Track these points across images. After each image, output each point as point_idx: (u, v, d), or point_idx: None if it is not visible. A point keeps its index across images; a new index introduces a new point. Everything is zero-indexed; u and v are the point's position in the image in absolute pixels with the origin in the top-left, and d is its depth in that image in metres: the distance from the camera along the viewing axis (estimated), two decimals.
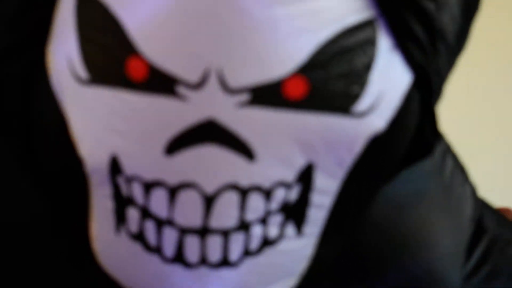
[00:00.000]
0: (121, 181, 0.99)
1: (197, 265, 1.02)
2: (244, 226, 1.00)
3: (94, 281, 1.11)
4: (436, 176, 1.20)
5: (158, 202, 0.98)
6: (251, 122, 0.92)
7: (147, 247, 1.03)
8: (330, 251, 1.07)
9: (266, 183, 0.96)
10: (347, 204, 1.03)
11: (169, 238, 1.00)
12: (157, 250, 1.03)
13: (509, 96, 2.39)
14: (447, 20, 0.95)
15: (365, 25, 0.92)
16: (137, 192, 0.99)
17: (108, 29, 0.92)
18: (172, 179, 0.96)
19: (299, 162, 0.97)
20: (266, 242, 1.03)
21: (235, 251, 1.01)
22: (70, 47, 0.95)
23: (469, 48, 1.08)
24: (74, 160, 0.99)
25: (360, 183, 1.02)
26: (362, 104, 0.95)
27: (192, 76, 0.89)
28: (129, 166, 0.98)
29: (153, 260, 1.03)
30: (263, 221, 1.01)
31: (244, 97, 0.90)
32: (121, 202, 1.01)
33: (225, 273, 1.03)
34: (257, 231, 1.01)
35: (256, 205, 0.98)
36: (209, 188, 0.96)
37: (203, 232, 0.99)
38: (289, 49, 0.89)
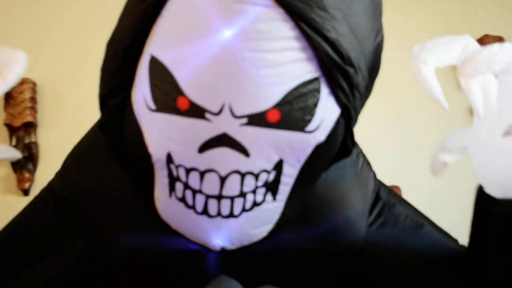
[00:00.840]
0: (172, 167, 1.08)
1: (215, 217, 1.10)
2: (242, 194, 1.08)
3: (158, 224, 1.16)
4: (353, 167, 1.34)
5: (194, 180, 1.07)
6: (247, 135, 1.01)
7: (187, 205, 1.11)
8: (291, 209, 1.18)
9: (255, 170, 1.06)
10: (301, 182, 1.14)
11: (200, 200, 1.09)
12: (192, 207, 1.10)
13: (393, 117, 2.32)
14: (361, 79, 1.04)
15: (314, 80, 0.99)
16: (181, 174, 1.08)
17: (167, 80, 1.00)
18: (202, 167, 1.05)
19: (275, 159, 1.06)
20: (255, 204, 1.11)
21: (237, 209, 1.10)
22: (145, 90, 1.04)
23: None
24: (146, 155, 1.09)
25: (309, 170, 1.13)
26: (311, 126, 1.04)
27: (215, 108, 0.98)
28: (177, 159, 1.07)
29: (190, 213, 1.12)
30: (253, 192, 1.09)
31: (244, 120, 0.99)
32: (172, 179, 1.10)
33: (231, 221, 1.12)
34: (250, 197, 1.10)
35: (249, 183, 1.08)
36: (223, 172, 1.05)
37: (219, 197, 1.08)
38: (269, 94, 0.97)
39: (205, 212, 1.09)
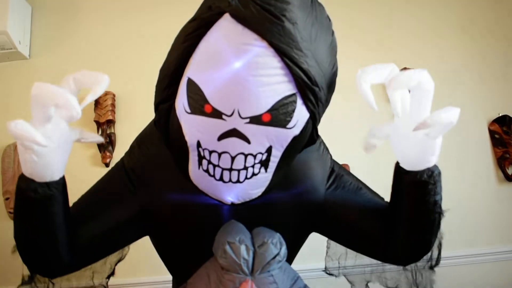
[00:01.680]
0: (200, 150, 1.08)
1: (228, 182, 1.11)
2: (245, 168, 1.09)
3: (191, 187, 1.17)
4: (316, 150, 1.34)
5: (214, 158, 1.07)
6: (249, 130, 1.02)
7: (209, 175, 1.11)
8: (277, 177, 1.18)
9: (254, 152, 1.07)
10: (283, 160, 1.14)
11: (217, 171, 1.09)
12: (213, 176, 1.11)
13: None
14: (322, 95, 1.06)
15: (292, 95, 1.00)
16: (206, 154, 1.08)
17: (198, 93, 1.01)
18: (219, 150, 1.06)
19: (267, 145, 1.07)
20: (254, 174, 1.11)
21: (242, 177, 1.10)
22: (184, 100, 1.05)
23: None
24: (184, 141, 1.10)
25: (289, 153, 1.12)
26: (290, 124, 1.04)
27: (228, 112, 0.99)
28: (203, 144, 1.07)
29: (211, 180, 1.12)
30: (252, 166, 1.09)
31: (247, 120, 1.00)
32: (200, 158, 1.10)
33: (238, 185, 1.12)
34: (250, 170, 1.10)
35: (250, 160, 1.08)
36: (233, 154, 1.06)
37: (230, 170, 1.08)
38: (264, 103, 0.99)
39: (221, 179, 1.10)
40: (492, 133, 3.12)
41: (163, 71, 1.12)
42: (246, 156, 1.06)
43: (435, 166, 1.08)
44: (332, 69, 1.07)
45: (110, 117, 2.85)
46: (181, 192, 1.23)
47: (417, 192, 1.10)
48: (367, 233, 1.28)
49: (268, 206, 1.24)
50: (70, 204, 1.17)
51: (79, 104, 0.90)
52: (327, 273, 1.59)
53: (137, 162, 1.27)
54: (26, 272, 1.40)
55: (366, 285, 1.59)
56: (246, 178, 1.11)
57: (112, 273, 1.60)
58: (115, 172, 1.31)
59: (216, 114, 1.00)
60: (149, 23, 3.18)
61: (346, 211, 1.30)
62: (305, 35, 0.97)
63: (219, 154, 1.06)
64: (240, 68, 0.94)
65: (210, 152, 1.07)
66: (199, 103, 1.01)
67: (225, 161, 1.07)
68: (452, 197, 2.75)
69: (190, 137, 1.08)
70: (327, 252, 1.58)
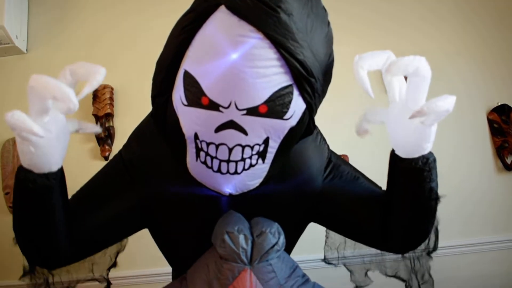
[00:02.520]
0: (198, 141, 1.09)
1: (225, 173, 1.11)
2: (243, 159, 1.09)
3: (189, 179, 1.18)
4: (314, 141, 1.34)
5: (212, 150, 1.08)
6: (246, 121, 1.03)
7: (207, 166, 1.11)
8: (274, 168, 1.18)
9: (251, 144, 1.07)
10: (281, 151, 1.14)
11: (215, 163, 1.10)
12: (210, 167, 1.11)
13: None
14: (319, 86, 1.06)
15: (288, 86, 1.01)
16: (204, 146, 1.09)
17: (194, 86, 1.02)
18: (217, 142, 1.06)
19: (264, 136, 1.08)
20: (251, 165, 1.12)
21: (239, 168, 1.11)
22: (180, 92, 1.06)
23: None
24: (181, 133, 1.11)
25: (286, 144, 1.13)
26: (287, 115, 1.05)
27: (225, 104, 1.00)
28: (201, 136, 1.08)
29: (209, 171, 1.12)
30: (250, 158, 1.10)
31: (244, 112, 1.01)
32: (198, 149, 1.11)
33: (236, 176, 1.13)
34: (248, 161, 1.11)
35: (247, 152, 1.09)
36: (230, 145, 1.07)
37: (228, 161, 1.09)
38: (260, 94, 0.99)
39: (219, 170, 1.11)
40: (491, 122, 3.11)
41: (159, 63, 1.12)
42: (243, 147, 1.07)
43: (430, 153, 1.09)
44: (328, 60, 1.08)
45: (109, 111, 2.86)
46: (179, 184, 1.23)
47: (413, 179, 1.11)
48: (364, 222, 1.29)
49: (266, 197, 1.25)
50: (69, 196, 1.18)
51: (76, 97, 0.90)
52: (326, 262, 1.61)
53: (135, 155, 1.27)
54: (27, 263, 1.40)
55: (366, 273, 1.60)
56: (243, 169, 1.11)
57: (114, 265, 1.61)
58: (114, 164, 1.31)
59: (213, 106, 1.01)
60: (147, 16, 3.18)
61: (344, 200, 1.31)
62: (300, 26, 0.97)
63: (217, 146, 1.07)
64: (236, 60, 0.95)
65: (208, 144, 1.07)
66: (196, 96, 1.02)
67: (222, 153, 1.08)
68: (450, 186, 2.76)
69: (188, 130, 1.09)
70: (326, 242, 1.59)
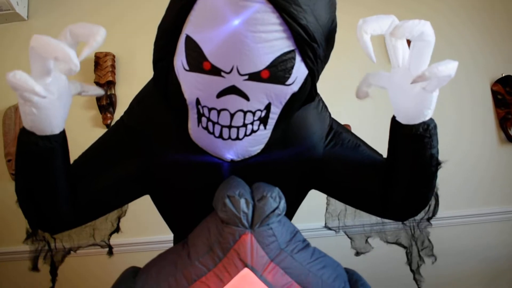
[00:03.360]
0: (199, 107, 1.10)
1: (227, 139, 1.12)
2: (244, 125, 1.10)
3: (191, 145, 1.19)
4: (315, 108, 1.34)
5: (213, 116, 1.09)
6: (248, 86, 1.03)
7: (209, 132, 1.12)
8: (275, 134, 1.19)
9: (253, 109, 1.08)
10: (282, 117, 1.15)
11: (217, 129, 1.10)
12: (212, 133, 1.12)
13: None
14: (321, 51, 1.06)
15: (291, 51, 1.01)
16: (205, 111, 1.09)
17: (196, 51, 1.01)
18: (218, 107, 1.07)
19: (265, 102, 1.08)
20: (253, 131, 1.13)
21: (241, 134, 1.12)
22: (182, 57, 1.06)
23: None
24: (183, 99, 1.11)
25: (287, 110, 1.13)
26: (289, 81, 1.05)
27: (227, 69, 1.00)
28: (203, 102, 1.09)
29: (211, 137, 1.13)
30: (251, 123, 1.11)
31: (246, 77, 1.01)
32: (199, 115, 1.11)
33: (237, 142, 1.14)
34: (249, 127, 1.11)
35: (249, 117, 1.09)
36: (232, 111, 1.07)
37: (230, 127, 1.10)
38: (263, 59, 0.99)
39: (220, 136, 1.11)
40: (494, 93, 3.11)
41: (161, 28, 1.12)
42: (245, 113, 1.07)
43: (431, 120, 1.09)
44: (331, 25, 1.07)
45: (110, 78, 2.85)
46: (180, 150, 1.24)
47: (413, 146, 1.12)
48: (365, 189, 1.30)
49: (268, 165, 1.26)
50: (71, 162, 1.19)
51: (77, 57, 0.91)
52: (327, 228, 1.63)
53: (137, 120, 1.28)
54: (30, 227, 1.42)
55: (366, 240, 1.62)
56: (245, 135, 1.12)
57: (116, 230, 1.63)
58: (115, 130, 1.32)
59: (215, 71, 1.01)
60: None
61: (345, 167, 1.32)
62: None
63: (218, 112, 1.07)
64: (239, 25, 0.94)
65: (209, 110, 1.08)
66: (197, 61, 1.02)
67: (224, 118, 1.08)
68: (452, 157, 2.77)
69: (189, 95, 1.09)
70: (326, 209, 1.61)
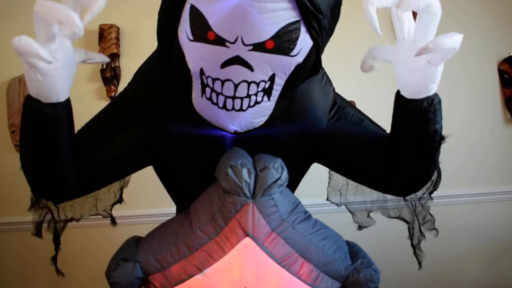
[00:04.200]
0: (203, 77, 1.10)
1: (231, 110, 1.13)
2: (248, 96, 1.11)
3: (194, 116, 1.19)
4: (319, 82, 1.34)
5: (217, 86, 1.09)
6: (252, 57, 1.03)
7: (212, 103, 1.13)
8: (279, 107, 1.19)
9: (257, 80, 1.08)
10: (286, 89, 1.15)
11: (221, 99, 1.11)
12: (216, 104, 1.13)
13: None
14: (326, 23, 1.07)
15: (296, 22, 1.01)
16: (209, 82, 1.09)
17: (201, 20, 1.01)
18: (222, 77, 1.07)
19: (270, 73, 1.08)
20: (256, 102, 1.13)
21: (245, 105, 1.12)
22: (186, 27, 1.06)
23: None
24: (187, 69, 1.11)
25: (292, 81, 1.14)
26: (294, 52, 1.06)
27: (231, 39, 1.00)
28: (207, 72, 1.09)
29: (214, 108, 1.14)
30: (255, 94, 1.11)
31: (250, 47, 1.01)
32: (203, 85, 1.11)
33: (241, 113, 1.14)
34: (253, 98, 1.12)
35: (253, 88, 1.10)
36: (236, 81, 1.07)
37: (233, 98, 1.10)
38: (268, 30, 0.99)
39: (224, 107, 1.12)
40: (501, 73, 3.09)
41: None
42: (249, 84, 1.08)
43: (436, 95, 1.09)
44: None
45: (115, 51, 2.84)
46: (184, 122, 1.24)
47: (417, 120, 1.12)
48: (368, 164, 1.31)
49: (271, 137, 1.27)
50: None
51: (81, 21, 0.91)
52: (329, 201, 1.64)
53: (141, 91, 1.28)
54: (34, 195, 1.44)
55: (368, 215, 1.64)
56: (249, 106, 1.13)
57: (119, 201, 1.64)
58: (119, 101, 1.32)
59: (219, 41, 1.01)
60: None
61: (348, 141, 1.32)
62: None
63: (222, 82, 1.08)
64: None
65: (213, 80, 1.08)
66: (202, 30, 1.02)
67: (228, 89, 1.08)
68: (457, 136, 2.77)
69: (193, 65, 1.09)
70: (329, 183, 1.62)
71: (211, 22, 1.00)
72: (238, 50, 1.02)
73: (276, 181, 1.14)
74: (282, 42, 1.02)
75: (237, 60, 1.03)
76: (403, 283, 2.95)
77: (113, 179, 1.36)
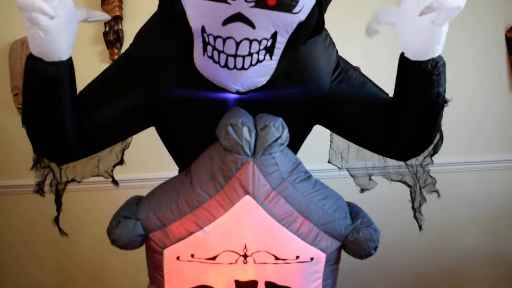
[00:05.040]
0: (205, 35, 1.09)
1: (232, 69, 1.12)
2: (250, 54, 1.10)
3: (196, 76, 1.18)
4: (322, 43, 1.33)
5: (219, 44, 1.08)
6: (254, 14, 1.02)
7: (214, 61, 1.12)
8: (281, 66, 1.18)
9: (259, 38, 1.07)
10: (289, 48, 1.14)
11: (222, 58, 1.10)
12: (217, 62, 1.12)
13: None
14: None
15: None
16: (211, 40, 1.08)
17: None
18: (224, 35, 1.06)
19: (272, 30, 1.07)
20: (258, 61, 1.12)
21: (246, 64, 1.11)
22: None
23: None
24: (188, 27, 1.09)
25: (294, 40, 1.12)
26: (296, 9, 1.04)
27: None
28: (208, 29, 1.07)
29: (216, 66, 1.13)
30: (257, 53, 1.10)
31: (252, 4, 1.00)
32: (205, 44, 1.10)
33: (243, 72, 1.13)
34: (255, 56, 1.11)
35: (255, 46, 1.09)
36: (238, 39, 1.06)
37: (235, 56, 1.09)
38: None
39: (225, 65, 1.11)
40: (509, 40, 3.03)
41: None
42: (251, 41, 1.07)
43: (440, 57, 1.09)
44: None
45: (118, 13, 2.81)
46: (186, 83, 1.24)
47: (421, 82, 1.12)
48: (370, 126, 1.31)
49: (273, 99, 1.26)
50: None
51: None
52: (331, 163, 1.64)
53: (143, 52, 1.27)
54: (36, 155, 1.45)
55: (370, 178, 1.64)
56: (251, 64, 1.12)
57: (120, 162, 1.65)
58: (121, 62, 1.32)
59: None
60: None
61: (350, 104, 1.32)
62: None
63: (224, 40, 1.07)
64: None
65: (215, 38, 1.07)
66: None
67: (229, 47, 1.08)
68: (462, 103, 2.76)
69: (195, 23, 1.08)
70: (330, 146, 1.62)
71: None
72: (239, 7, 1.01)
73: (276, 140, 1.15)
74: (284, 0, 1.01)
75: (239, 17, 1.02)
76: (405, 247, 2.99)
77: (115, 140, 1.37)
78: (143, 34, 1.31)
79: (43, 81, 1.05)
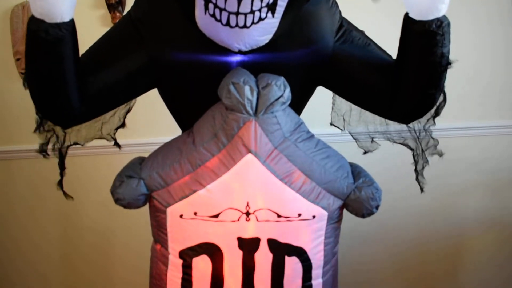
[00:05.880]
0: None
1: (234, 27, 1.11)
2: (252, 12, 1.08)
3: (197, 35, 1.18)
4: (326, 3, 1.31)
5: (220, 1, 1.07)
6: None
7: (216, 19, 1.11)
8: (283, 25, 1.17)
9: None
10: (291, 6, 1.13)
11: (224, 16, 1.09)
12: (219, 20, 1.11)
13: None
14: None
15: None
16: None
17: None
18: None
19: None
20: (260, 19, 1.11)
21: (248, 21, 1.10)
22: None
23: None
24: None
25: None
26: None
27: None
28: None
29: (218, 25, 1.12)
30: (259, 10, 1.09)
31: None
32: (206, 1, 1.08)
33: (244, 30, 1.12)
34: (257, 14, 1.10)
35: (256, 4, 1.07)
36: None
37: (237, 14, 1.08)
38: None
39: (227, 23, 1.10)
40: None
41: None
42: (252, 1, 1.06)
43: (445, 17, 1.08)
44: None
45: None
46: (189, 44, 1.24)
47: (425, 42, 1.11)
48: (372, 87, 1.31)
49: (276, 60, 1.26)
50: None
51: None
52: (333, 125, 1.64)
53: (145, 13, 1.26)
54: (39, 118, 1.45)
55: (372, 140, 1.63)
56: (252, 22, 1.11)
57: (122, 125, 1.65)
58: (123, 23, 1.31)
59: None
60: None
61: (353, 64, 1.31)
62: None
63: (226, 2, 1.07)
64: None
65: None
66: None
67: (231, 4, 1.07)
68: (467, 65, 2.73)
69: None
70: (332, 108, 1.62)
71: None
72: None
73: (278, 98, 1.15)
74: None
75: None
76: (407, 210, 3.02)
77: (118, 102, 1.37)
78: None
79: (46, 42, 1.05)
